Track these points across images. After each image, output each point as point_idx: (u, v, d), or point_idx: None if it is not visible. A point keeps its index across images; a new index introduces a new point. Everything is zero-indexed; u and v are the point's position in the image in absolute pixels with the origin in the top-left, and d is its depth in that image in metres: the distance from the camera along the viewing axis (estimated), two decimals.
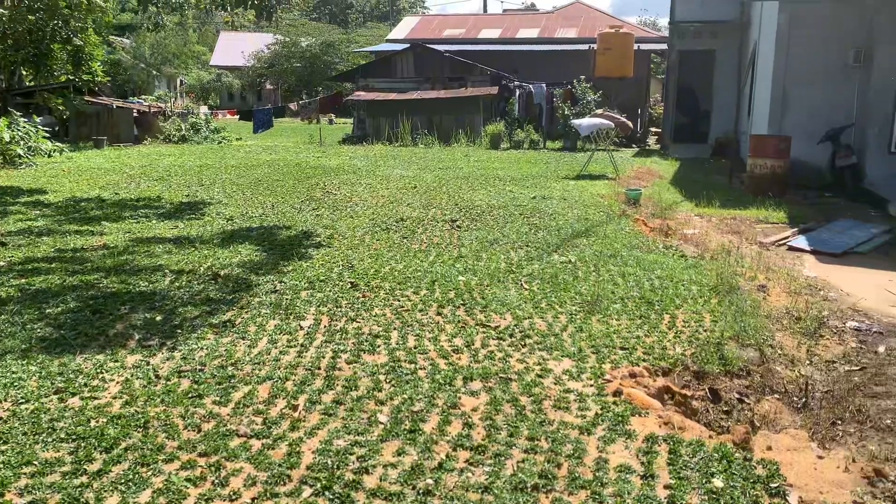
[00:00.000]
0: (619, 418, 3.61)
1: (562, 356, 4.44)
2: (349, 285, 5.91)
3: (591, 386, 4.01)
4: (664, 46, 22.51)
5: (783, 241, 8.19)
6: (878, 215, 9.60)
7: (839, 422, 3.80)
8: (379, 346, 4.60)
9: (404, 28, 32.22)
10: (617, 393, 3.89)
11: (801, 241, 8.09)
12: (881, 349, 4.81)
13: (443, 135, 21.14)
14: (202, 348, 4.55)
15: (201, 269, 6.45)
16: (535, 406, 3.75)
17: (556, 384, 4.03)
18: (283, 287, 5.85)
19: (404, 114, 21.72)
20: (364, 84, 24.41)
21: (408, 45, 25.21)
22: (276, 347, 4.58)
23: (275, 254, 7.02)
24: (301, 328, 4.94)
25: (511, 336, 4.79)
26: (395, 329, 4.92)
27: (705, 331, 4.90)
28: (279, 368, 4.24)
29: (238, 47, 51.83)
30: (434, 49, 24.38)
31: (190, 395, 3.87)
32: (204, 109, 34.88)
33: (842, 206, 10.27)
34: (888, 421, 3.76)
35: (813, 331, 5.10)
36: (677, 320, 5.11)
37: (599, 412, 3.68)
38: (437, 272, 6.28)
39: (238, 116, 28.90)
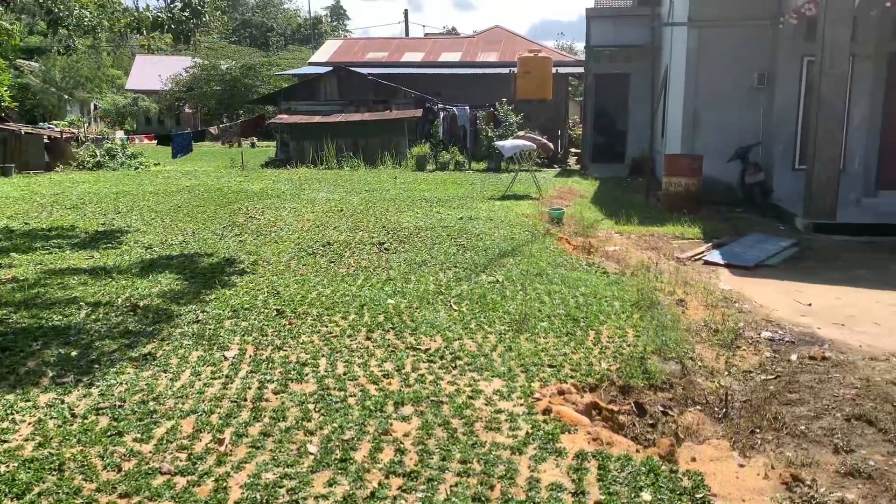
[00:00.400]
0: (550, 436, 3.65)
1: (492, 376, 4.47)
2: (275, 312, 5.81)
3: (522, 405, 4.05)
4: (581, 70, 23.18)
5: (699, 256, 8.51)
6: (786, 229, 10.11)
7: (758, 430, 3.95)
8: (307, 375, 4.53)
9: (327, 51, 32.13)
10: (546, 411, 3.94)
11: (715, 256, 8.42)
12: (793, 357, 5.04)
13: (368, 157, 21.12)
14: (121, 383, 4.37)
15: (119, 300, 6.21)
16: (466, 428, 3.76)
17: (487, 405, 4.05)
18: (205, 317, 5.69)
19: (329, 136, 21.62)
20: (287, 107, 24.16)
21: (331, 68, 25.13)
22: (199, 380, 4.44)
23: (196, 282, 6.83)
24: (225, 358, 4.81)
25: (442, 358, 4.79)
26: (323, 356, 4.85)
27: (629, 346, 5.03)
28: (203, 401, 4.11)
29: (155, 70, 50.54)
30: (357, 72, 24.39)
31: (109, 434, 3.70)
32: (120, 134, 33.80)
33: (752, 221, 10.77)
34: (802, 427, 3.93)
35: (730, 342, 5.30)
36: (602, 336, 5.23)
37: (530, 431, 3.72)
38: (366, 296, 6.24)
39: (156, 141, 28.12)
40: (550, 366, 4.64)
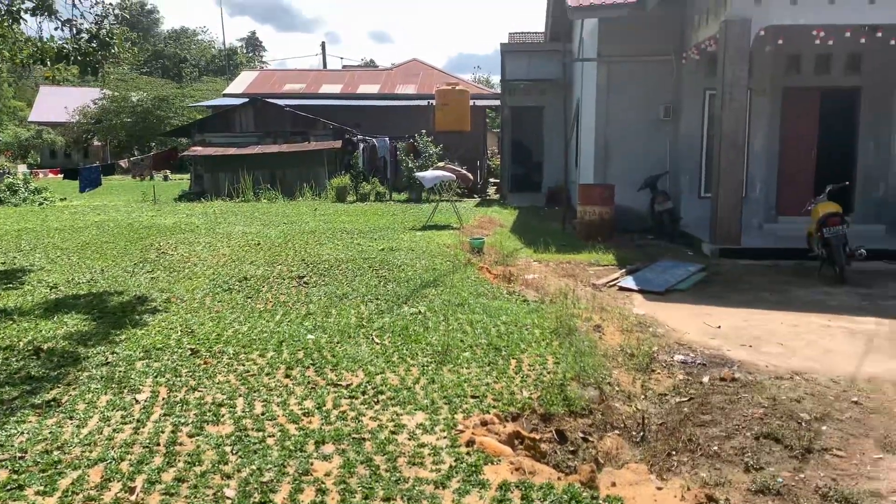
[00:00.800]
0: (473, 468, 3.65)
1: (415, 410, 4.45)
2: (189, 352, 5.61)
3: (445, 438, 4.04)
4: (498, 102, 23.71)
5: (613, 282, 8.76)
6: (694, 254, 10.54)
7: (674, 452, 4.07)
8: (223, 416, 4.38)
9: (242, 82, 31.75)
10: (470, 443, 3.94)
11: (629, 282, 8.69)
12: (705, 379, 5.23)
13: (287, 189, 20.86)
14: (23, 433, 4.11)
15: (21, 343, 5.87)
16: (389, 464, 3.71)
17: (410, 439, 4.02)
18: (115, 358, 5.44)
19: (245, 168, 21.26)
20: (201, 139, 23.66)
21: (247, 100, 24.83)
22: (108, 425, 4.23)
23: (105, 322, 6.54)
24: (137, 402, 4.60)
25: (363, 393, 4.73)
26: (240, 396, 4.71)
27: (549, 373, 5.10)
28: (113, 448, 3.91)
29: (61, 102, 48.66)
30: (274, 103, 24.17)
31: (8, 487, 3.47)
32: (22, 168, 32.26)
33: (663, 248, 11.18)
34: (715, 447, 4.07)
35: (645, 366, 5.46)
36: (523, 364, 5.29)
37: (453, 464, 3.70)
38: (285, 332, 6.12)
39: (62, 175, 26.93)
40: (473, 396, 4.65)
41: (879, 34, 10.47)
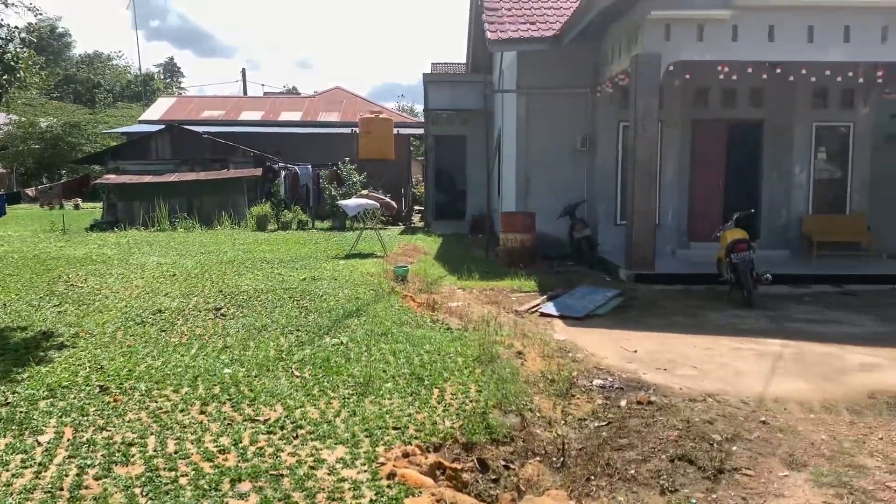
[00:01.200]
0: (394, 501, 3.60)
1: (335, 444, 4.36)
2: (98, 389, 5.35)
3: (366, 471, 3.97)
4: (422, 131, 23.90)
5: (535, 309, 8.89)
6: (612, 280, 10.82)
7: (593, 477, 4.13)
8: (133, 456, 4.19)
9: (159, 108, 30.97)
10: (391, 475, 3.89)
11: (549, 308, 8.84)
12: (623, 403, 5.35)
13: (204, 218, 20.35)
14: None
15: None
16: (308, 501, 3.62)
17: (329, 474, 3.94)
18: (16, 398, 5.14)
19: (161, 197, 20.64)
20: (115, 166, 22.86)
21: (164, 126, 24.19)
22: (7, 470, 3.98)
23: (6, 360, 6.17)
24: (39, 444, 4.35)
25: (282, 428, 4.62)
26: (152, 434, 4.52)
27: (472, 401, 5.11)
28: (11, 495, 3.68)
29: None
30: (192, 130, 23.64)
31: None
32: None
33: (582, 274, 11.44)
34: (632, 471, 4.15)
35: (565, 391, 5.54)
36: (446, 394, 5.28)
37: (374, 498, 3.65)
38: (200, 366, 5.92)
39: None
40: (395, 428, 4.61)
41: (779, 70, 11.13)
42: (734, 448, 4.53)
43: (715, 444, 4.54)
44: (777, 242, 12.87)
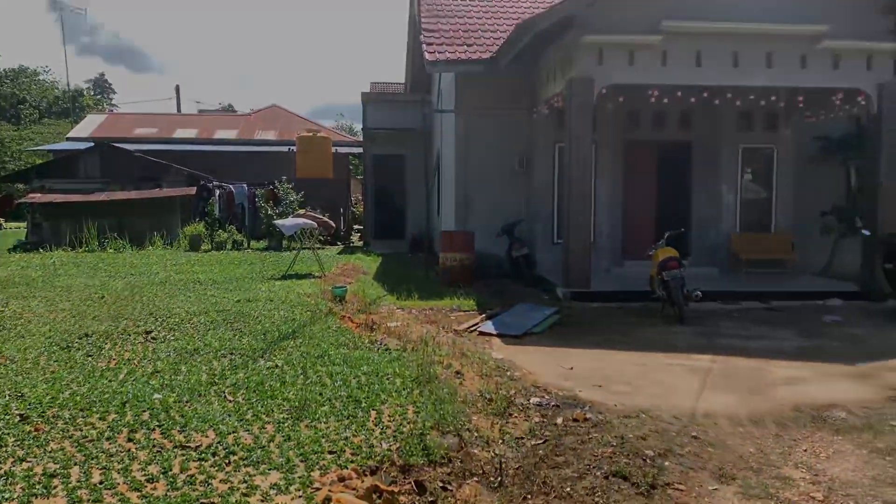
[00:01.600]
0: None
1: (269, 469, 4.26)
2: (18, 418, 5.10)
3: (300, 497, 3.89)
4: (361, 150, 23.85)
5: (474, 327, 8.92)
6: (549, 298, 10.96)
7: (529, 496, 4.14)
8: (56, 488, 4.00)
9: (89, 126, 30.07)
10: (326, 500, 3.82)
11: (488, 326, 8.88)
12: (559, 421, 5.40)
13: (136, 238, 19.77)
14: None
15: None
16: None
17: (263, 501, 3.84)
18: None
19: (90, 217, 19.96)
20: (41, 185, 22.05)
21: (93, 144, 23.49)
22: None
23: None
24: None
25: (214, 455, 4.48)
26: (76, 464, 4.32)
27: (409, 423, 5.07)
28: None
29: None
30: (123, 148, 23.03)
31: None
32: None
33: (520, 292, 11.55)
34: (568, 489, 4.18)
35: (503, 410, 5.55)
36: (383, 416, 5.23)
37: None
38: (129, 392, 5.71)
39: None
40: (331, 452, 4.53)
41: (706, 94, 11.55)
42: (666, 463, 4.62)
43: (648, 460, 4.62)
44: (707, 260, 13.28)
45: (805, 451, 4.97)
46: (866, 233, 11.14)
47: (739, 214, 13.72)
